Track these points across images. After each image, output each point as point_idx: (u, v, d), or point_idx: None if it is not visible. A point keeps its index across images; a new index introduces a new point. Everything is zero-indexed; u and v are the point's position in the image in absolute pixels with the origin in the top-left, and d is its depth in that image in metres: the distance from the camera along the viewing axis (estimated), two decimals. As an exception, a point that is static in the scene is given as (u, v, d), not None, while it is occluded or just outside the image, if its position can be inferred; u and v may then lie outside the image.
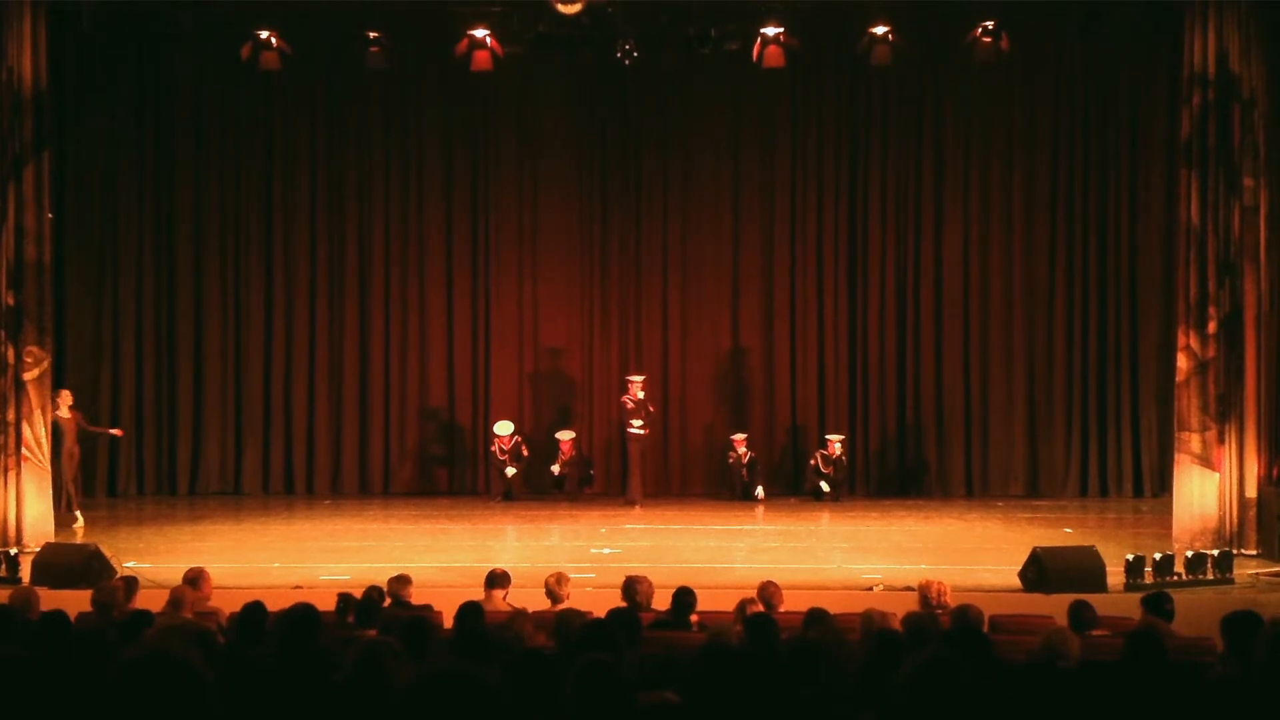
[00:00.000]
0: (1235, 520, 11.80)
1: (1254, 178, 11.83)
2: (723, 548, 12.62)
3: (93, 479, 16.05)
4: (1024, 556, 10.23)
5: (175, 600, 7.31)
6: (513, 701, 3.84)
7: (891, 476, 16.42)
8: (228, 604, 7.63)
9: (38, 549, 11.15)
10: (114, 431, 15.15)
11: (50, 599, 7.95)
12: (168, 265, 16.49)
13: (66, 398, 13.76)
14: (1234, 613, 5.34)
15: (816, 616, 6.31)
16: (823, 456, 15.83)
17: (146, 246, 16.40)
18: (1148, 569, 10.07)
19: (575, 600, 7.79)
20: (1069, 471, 16.11)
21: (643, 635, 6.30)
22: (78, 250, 15.94)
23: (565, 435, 15.95)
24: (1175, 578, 10.07)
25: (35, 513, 12.20)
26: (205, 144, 16.45)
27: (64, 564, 10.33)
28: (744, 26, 13.89)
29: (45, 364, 12.41)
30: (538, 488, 16.04)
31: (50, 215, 12.71)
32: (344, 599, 7.04)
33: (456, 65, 14.09)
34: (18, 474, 12.14)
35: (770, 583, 7.68)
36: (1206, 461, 11.87)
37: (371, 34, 14.15)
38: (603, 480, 16.46)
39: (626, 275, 16.73)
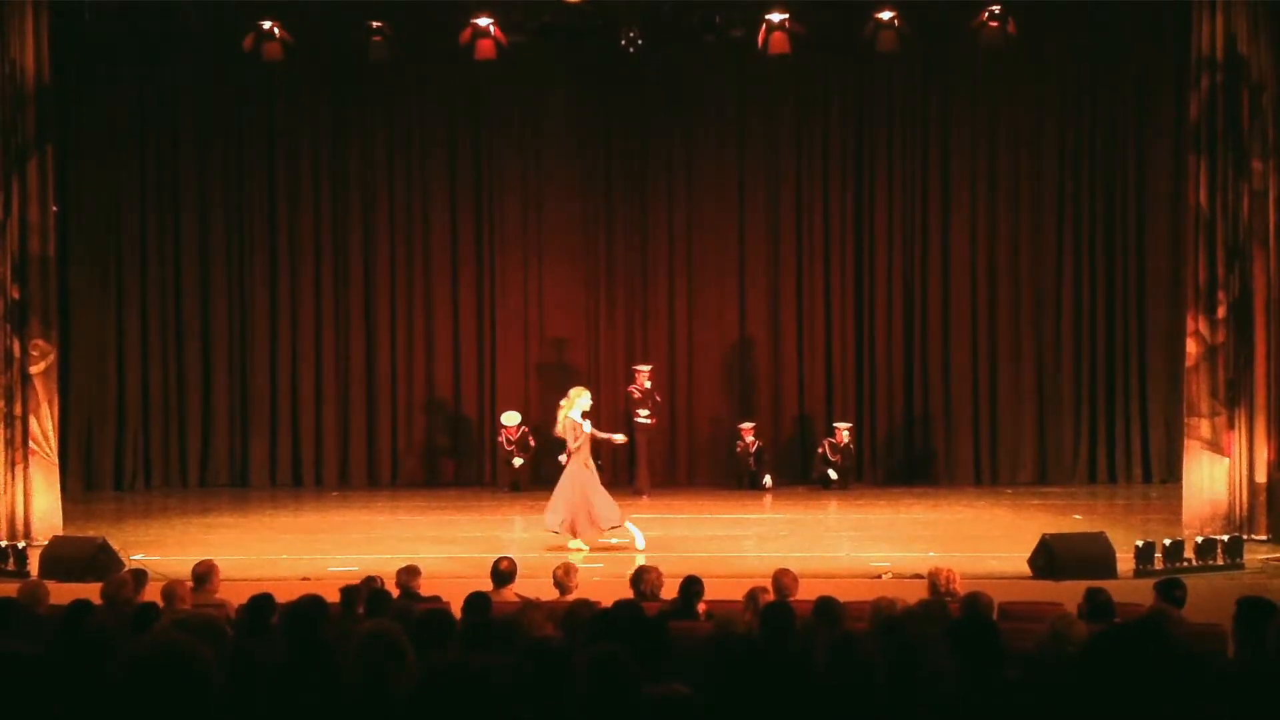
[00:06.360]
0: (1245, 505, 11.75)
1: (1263, 161, 11.76)
2: (731, 537, 12.60)
3: (100, 471, 16.09)
4: (1033, 543, 10.22)
5: (168, 595, 7.20)
6: (519, 695, 3.82)
7: (900, 464, 16.38)
8: (236, 596, 7.62)
9: (46, 542, 11.16)
10: (616, 438, 12.78)
11: (58, 592, 7.97)
12: (173, 257, 16.47)
13: (586, 399, 11.85)
14: (1246, 599, 5.29)
15: (825, 605, 6.27)
16: (830, 445, 15.79)
17: (151, 238, 16.39)
18: (1158, 555, 10.05)
19: (583, 590, 7.77)
20: (1078, 458, 16.06)
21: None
22: (82, 243, 15.92)
23: (573, 425, 15.89)
24: (1185, 563, 10.04)
25: (43, 506, 12.19)
26: (209, 135, 16.42)
27: (72, 557, 10.33)
28: (748, 13, 13.84)
29: (51, 357, 12.39)
30: (545, 478, 15.98)
31: (55, 208, 12.69)
32: (347, 592, 7.01)
33: (460, 54, 14.05)
34: (25, 467, 12.14)
35: (786, 570, 7.61)
36: (1216, 447, 11.83)
37: (374, 24, 14.12)
38: (610, 470, 16.41)
39: (632, 264, 16.69)
